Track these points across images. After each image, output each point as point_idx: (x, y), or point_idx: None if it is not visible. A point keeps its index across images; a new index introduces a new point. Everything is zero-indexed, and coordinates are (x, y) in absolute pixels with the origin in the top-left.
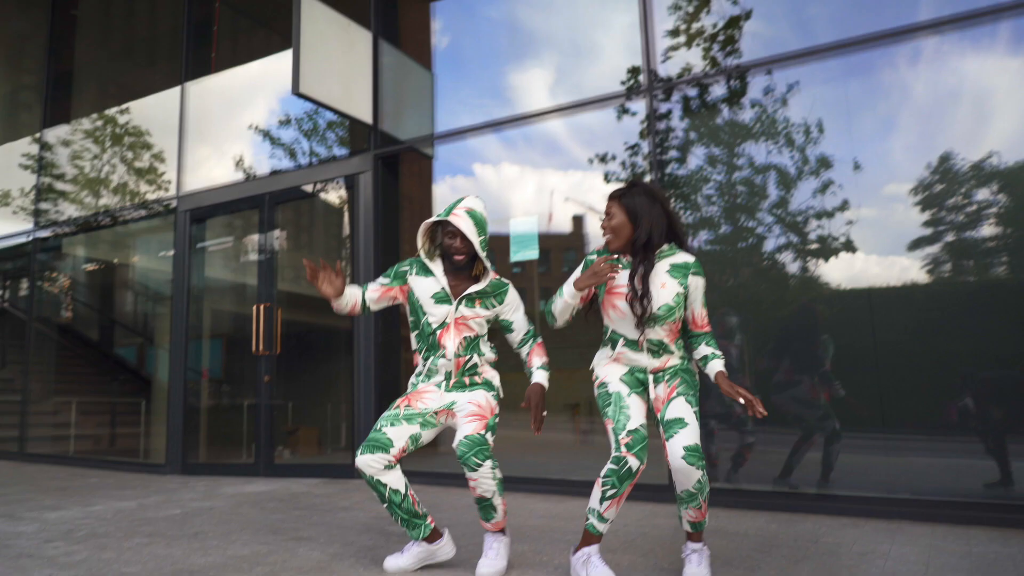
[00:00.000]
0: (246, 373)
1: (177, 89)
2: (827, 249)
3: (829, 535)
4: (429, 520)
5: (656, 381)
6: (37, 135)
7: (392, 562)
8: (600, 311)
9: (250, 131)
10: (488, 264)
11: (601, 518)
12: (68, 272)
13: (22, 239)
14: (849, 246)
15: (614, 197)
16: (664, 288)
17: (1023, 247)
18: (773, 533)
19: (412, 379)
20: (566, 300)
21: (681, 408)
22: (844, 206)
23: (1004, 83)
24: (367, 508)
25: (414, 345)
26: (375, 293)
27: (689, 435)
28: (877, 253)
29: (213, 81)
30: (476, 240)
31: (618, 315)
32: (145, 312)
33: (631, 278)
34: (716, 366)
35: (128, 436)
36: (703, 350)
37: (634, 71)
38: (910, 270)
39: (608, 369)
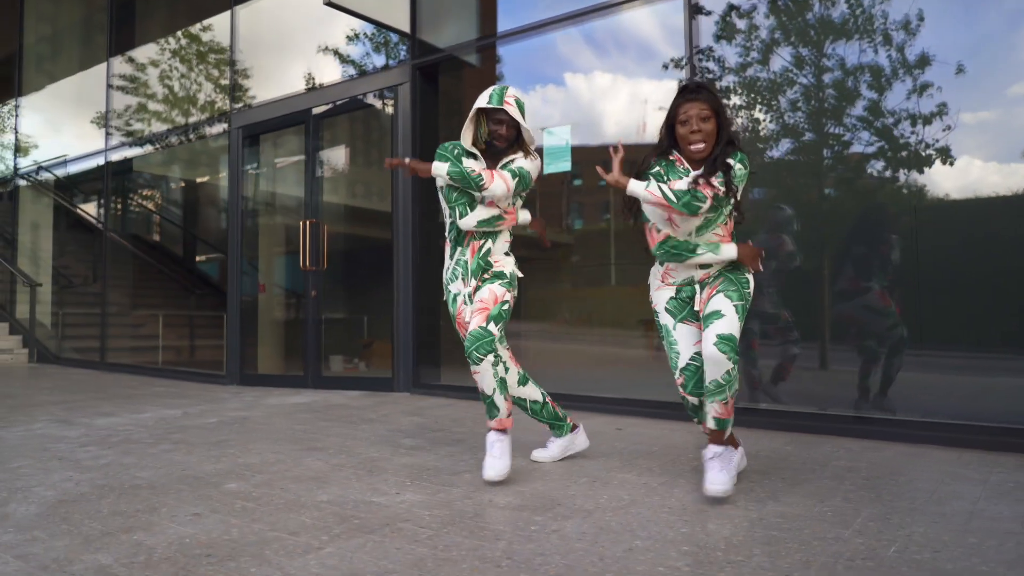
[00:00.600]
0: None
1: (227, 13)
2: (923, 158)
3: (844, 459)
4: (568, 420)
5: (702, 287)
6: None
7: (539, 454)
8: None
9: (297, 51)
10: (531, 147)
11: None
12: (153, 190)
13: (99, 159)
14: (945, 154)
15: (701, 97)
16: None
17: None
18: (785, 455)
19: (444, 279)
20: (657, 197)
21: (720, 302)
22: (942, 111)
23: None
24: (391, 421)
25: (447, 230)
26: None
27: (725, 325)
28: (996, 160)
29: (262, 3)
30: (524, 123)
31: (673, 227)
32: (255, 232)
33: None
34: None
35: (209, 348)
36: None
37: None
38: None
39: (659, 295)
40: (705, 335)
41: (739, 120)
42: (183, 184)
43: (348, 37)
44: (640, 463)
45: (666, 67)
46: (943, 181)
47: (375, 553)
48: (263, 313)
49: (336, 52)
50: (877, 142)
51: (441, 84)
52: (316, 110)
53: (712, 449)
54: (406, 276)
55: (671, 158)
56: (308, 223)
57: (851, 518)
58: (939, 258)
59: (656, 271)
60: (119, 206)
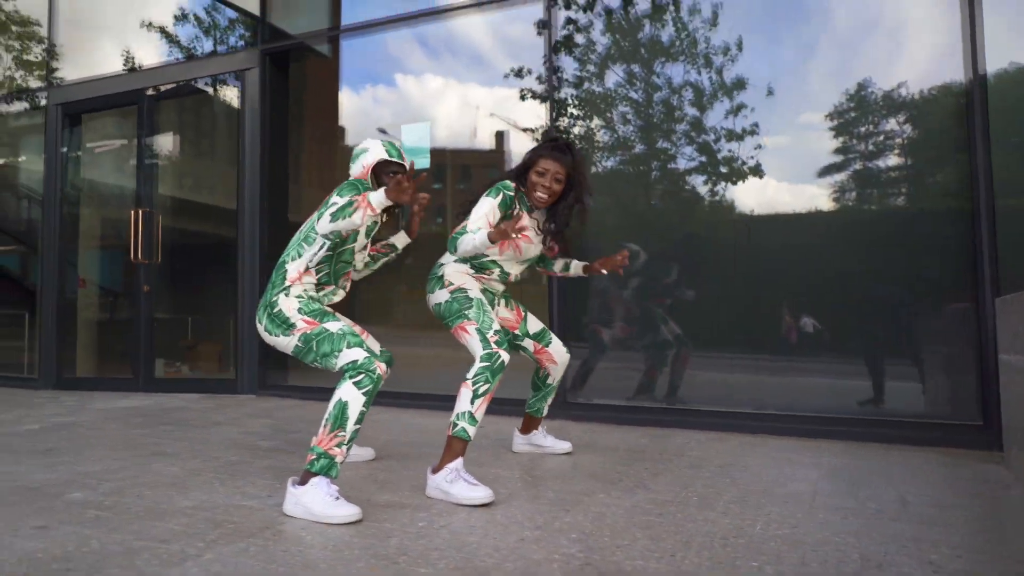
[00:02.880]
0: (138, 287)
1: None
2: (737, 172)
3: (696, 449)
4: None
5: (498, 302)
6: None
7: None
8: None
9: (132, 22)
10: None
11: (472, 419)
12: None
13: None
14: (757, 171)
15: (564, 161)
16: (538, 235)
17: (922, 176)
18: (642, 447)
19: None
20: (477, 246)
21: (538, 321)
22: (754, 130)
23: (918, 15)
24: (241, 423)
25: (314, 263)
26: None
27: (557, 338)
28: (788, 180)
29: None
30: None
31: (515, 254)
32: (32, 217)
33: (549, 233)
34: (577, 264)
35: (10, 350)
36: (559, 262)
37: None
38: (818, 198)
39: (468, 280)
40: (554, 348)
41: (576, 130)
42: None
43: (187, 15)
44: (509, 458)
45: (507, 76)
46: (745, 197)
47: (261, 557)
48: (97, 312)
49: (169, 28)
50: (699, 157)
51: (292, 73)
52: (151, 91)
53: (544, 426)
54: (252, 275)
55: (521, 191)
56: (141, 212)
57: (714, 501)
58: (761, 269)
59: (464, 268)
60: None
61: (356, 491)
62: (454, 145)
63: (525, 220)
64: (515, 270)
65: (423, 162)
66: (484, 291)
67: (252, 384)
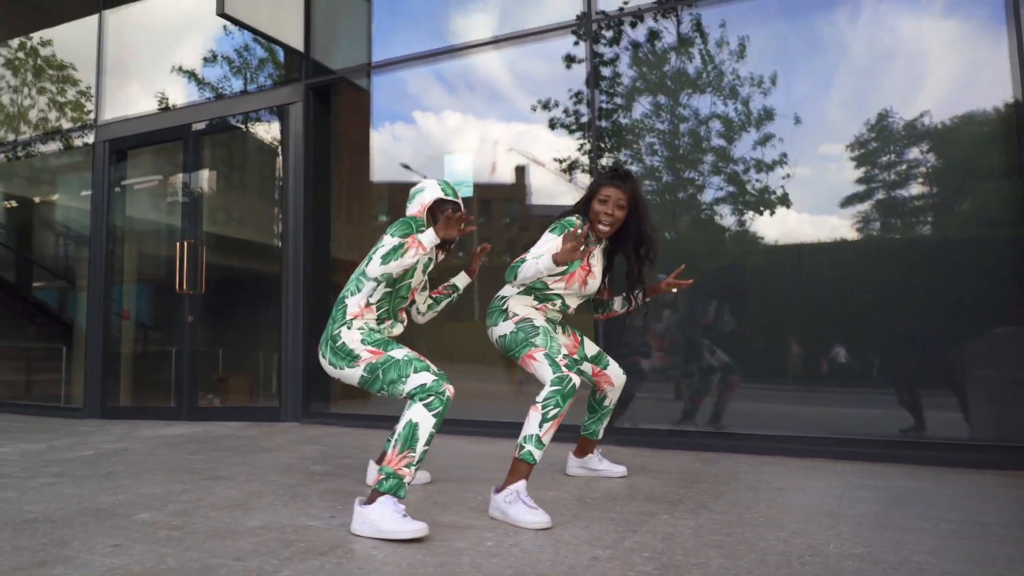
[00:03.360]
0: (177, 319)
1: (95, 17)
2: (764, 202)
3: (750, 472)
4: None
5: (555, 330)
6: None
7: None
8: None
9: (177, 63)
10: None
11: (539, 443)
12: None
13: None
14: (784, 200)
15: (625, 187)
16: (601, 267)
17: (945, 205)
18: (695, 471)
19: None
20: (540, 270)
21: (594, 345)
22: (782, 160)
23: (938, 44)
24: (290, 449)
25: (374, 299)
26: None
27: (615, 361)
28: (809, 211)
29: (135, 8)
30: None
31: (580, 288)
32: (69, 254)
33: (629, 279)
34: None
35: (47, 382)
36: (616, 300)
37: (581, 16)
38: (840, 228)
39: (530, 311)
40: (611, 370)
41: (603, 161)
42: (15, 204)
43: (237, 51)
44: (565, 481)
45: (533, 109)
46: (767, 229)
47: (337, 574)
48: (142, 343)
49: (213, 66)
50: (727, 187)
51: (333, 106)
52: (197, 126)
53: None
54: (296, 306)
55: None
56: (186, 244)
57: (782, 521)
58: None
59: (526, 300)
60: None
61: (419, 513)
62: (478, 180)
63: (594, 254)
64: (575, 303)
65: (467, 191)
66: (547, 321)
67: (296, 412)
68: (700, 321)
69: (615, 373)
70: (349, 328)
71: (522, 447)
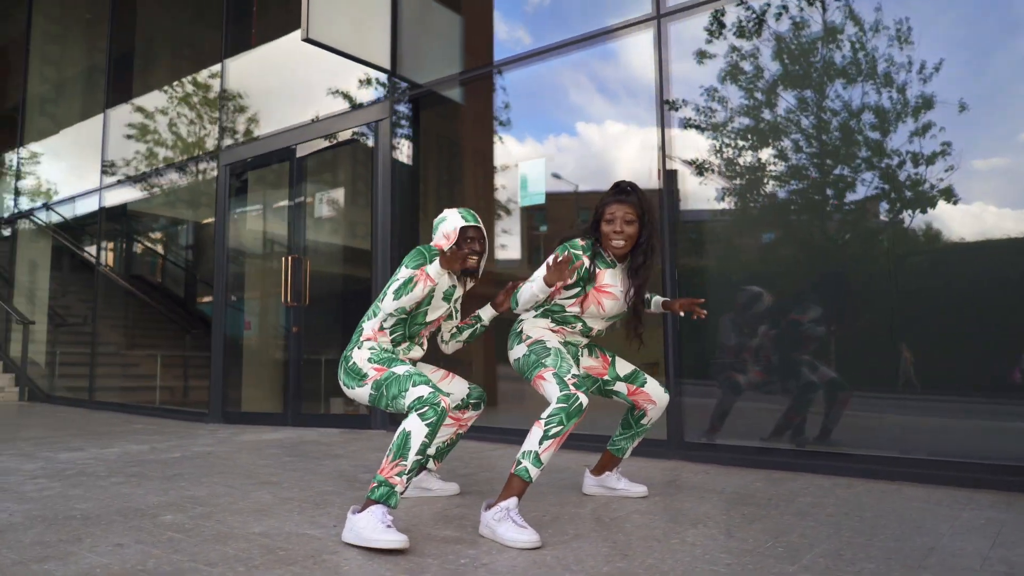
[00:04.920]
0: (318, 328)
1: (219, 65)
2: (926, 198)
3: (811, 495)
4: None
5: (582, 353)
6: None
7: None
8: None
9: (284, 91)
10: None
11: (537, 460)
12: (156, 232)
13: (96, 199)
14: (949, 195)
15: (630, 200)
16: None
17: None
18: (751, 491)
19: (384, 350)
20: (536, 294)
21: (628, 363)
22: (945, 151)
23: None
24: (357, 457)
25: (388, 324)
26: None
27: (653, 377)
28: (1010, 206)
29: (253, 55)
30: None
31: (598, 311)
32: (240, 270)
33: (634, 294)
34: (658, 299)
35: (200, 388)
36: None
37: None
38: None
39: (544, 333)
40: (650, 388)
41: (744, 159)
42: (186, 226)
43: (331, 75)
44: (591, 498)
45: (676, 108)
46: (954, 225)
47: None
48: (261, 352)
49: (325, 90)
50: (880, 183)
51: (423, 120)
52: (298, 147)
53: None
54: None
55: (597, 247)
56: (290, 259)
57: (803, 554)
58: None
59: (544, 323)
60: (123, 248)
61: (420, 525)
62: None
63: (606, 276)
64: (598, 325)
65: (538, 199)
66: (566, 344)
67: (384, 419)
68: (807, 323)
69: (655, 392)
70: (360, 348)
71: (519, 463)
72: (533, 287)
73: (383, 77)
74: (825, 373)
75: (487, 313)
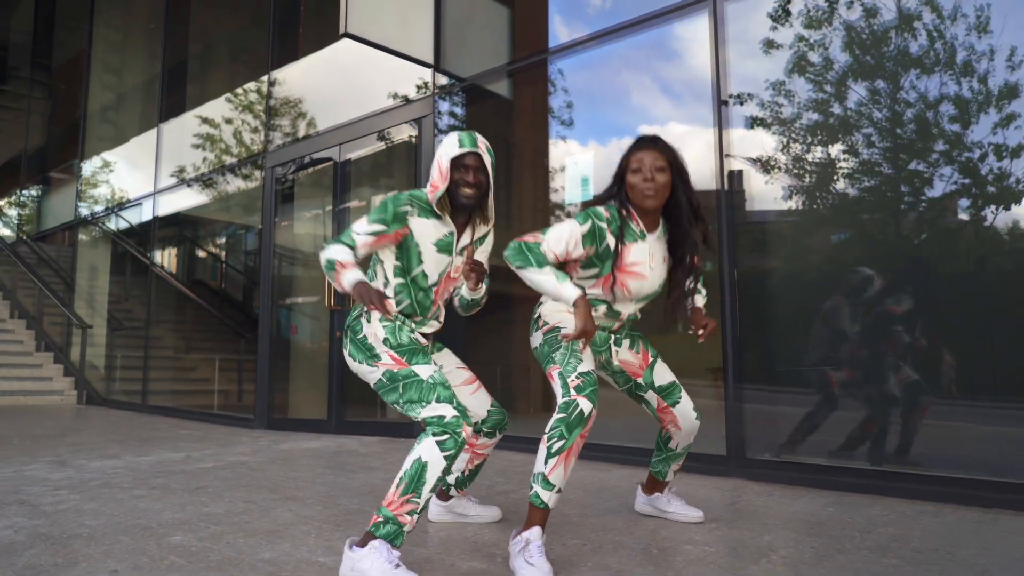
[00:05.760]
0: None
1: (265, 76)
2: (1009, 195)
3: (892, 525)
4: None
5: (617, 342)
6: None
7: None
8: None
9: (328, 92)
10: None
11: (547, 483)
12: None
13: (151, 204)
14: None
15: (657, 147)
16: (665, 262)
17: None
18: (821, 519)
19: (385, 332)
20: (548, 292)
21: (669, 372)
22: None
23: None
24: (392, 469)
25: (390, 292)
26: (363, 250)
27: (689, 397)
28: None
29: (300, 65)
30: (491, 177)
31: (622, 293)
32: (287, 274)
33: (676, 276)
34: (699, 300)
35: (251, 393)
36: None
37: None
38: None
39: (562, 317)
40: (681, 409)
41: (812, 155)
42: (245, 231)
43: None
44: (644, 522)
45: (742, 103)
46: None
47: None
48: (311, 357)
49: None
50: (960, 178)
51: (469, 116)
52: (342, 148)
53: (669, 489)
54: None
55: (624, 214)
56: None
57: None
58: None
59: (564, 305)
60: (184, 253)
61: (444, 553)
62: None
63: (632, 253)
64: (629, 309)
65: (585, 194)
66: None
67: None
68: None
69: (684, 415)
70: (368, 321)
71: (530, 487)
72: (544, 284)
73: (427, 75)
74: (908, 374)
75: (467, 292)
